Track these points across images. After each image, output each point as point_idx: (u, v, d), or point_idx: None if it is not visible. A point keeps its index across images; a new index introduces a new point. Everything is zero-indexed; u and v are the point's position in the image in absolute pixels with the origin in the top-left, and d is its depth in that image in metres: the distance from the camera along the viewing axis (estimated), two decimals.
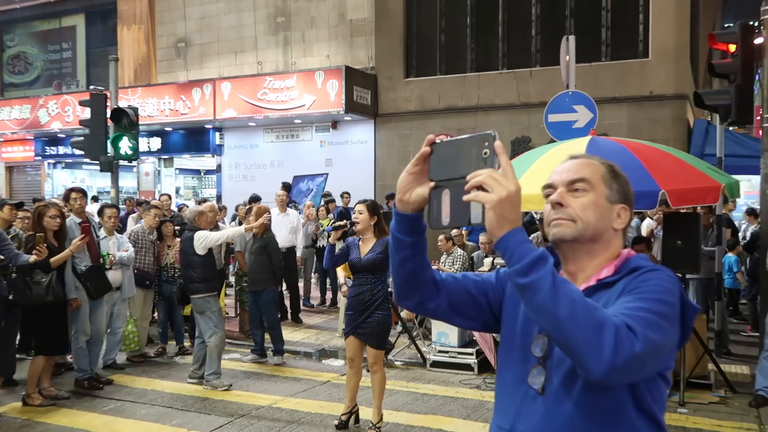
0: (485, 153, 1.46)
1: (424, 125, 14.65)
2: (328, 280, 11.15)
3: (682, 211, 7.50)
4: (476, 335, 7.13)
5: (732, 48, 7.84)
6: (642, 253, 6.50)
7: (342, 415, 5.56)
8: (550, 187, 1.72)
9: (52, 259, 6.04)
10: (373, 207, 5.40)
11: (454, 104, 14.36)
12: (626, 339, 1.36)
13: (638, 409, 1.56)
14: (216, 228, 8.09)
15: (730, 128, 10.45)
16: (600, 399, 1.53)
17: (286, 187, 13.24)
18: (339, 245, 5.65)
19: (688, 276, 7.90)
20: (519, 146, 13.33)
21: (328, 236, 5.50)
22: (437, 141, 1.58)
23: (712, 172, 6.63)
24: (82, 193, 6.94)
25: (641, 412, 1.56)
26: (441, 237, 9.05)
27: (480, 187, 1.41)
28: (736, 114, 7.59)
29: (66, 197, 6.97)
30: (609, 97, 12.41)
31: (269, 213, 7.67)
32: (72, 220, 6.71)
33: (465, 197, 1.44)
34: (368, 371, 5.56)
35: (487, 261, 7.83)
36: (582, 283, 1.65)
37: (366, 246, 5.35)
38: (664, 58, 12.58)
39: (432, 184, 1.56)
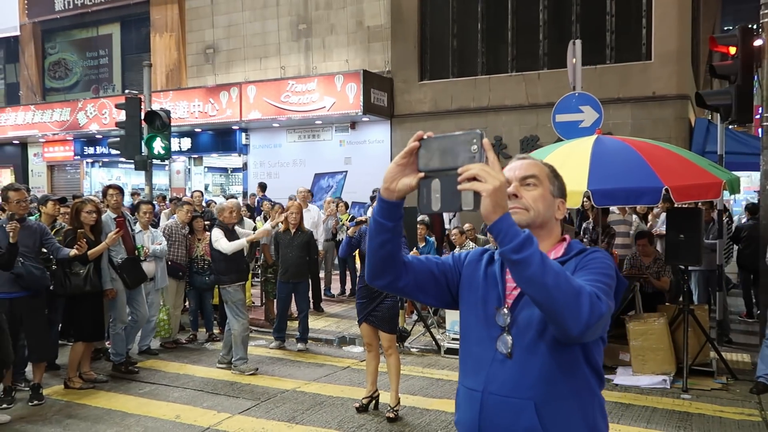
0: (474, 149, 1.56)
1: (438, 125, 14.57)
2: (347, 272, 11.14)
3: (682, 206, 7.39)
4: None
5: (732, 50, 7.70)
6: (646, 247, 6.38)
7: (363, 398, 5.56)
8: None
9: (89, 252, 6.07)
10: None
11: (465, 105, 14.27)
12: (596, 303, 1.57)
13: (587, 363, 1.77)
14: (241, 222, 8.11)
15: (731, 127, 10.28)
16: (560, 357, 1.72)
17: (263, 186, 13.41)
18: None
19: (690, 268, 7.81)
20: (528, 145, 13.23)
21: (348, 229, 5.56)
22: (425, 137, 1.66)
23: (714, 168, 6.53)
24: (119, 189, 6.97)
25: (589, 366, 1.78)
26: (455, 231, 9.01)
27: (473, 179, 1.52)
28: (737, 113, 7.47)
29: (104, 193, 7.00)
30: (613, 98, 12.27)
31: (278, 218, 7.71)
32: (108, 215, 6.75)
33: (461, 186, 1.53)
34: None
35: None
36: None
37: None
38: (667, 61, 12.40)
39: (421, 174, 1.64)
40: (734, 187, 6.60)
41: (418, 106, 14.80)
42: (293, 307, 8.14)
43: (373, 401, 5.59)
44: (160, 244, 7.29)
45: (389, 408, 5.37)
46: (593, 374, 1.80)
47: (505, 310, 1.79)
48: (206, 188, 19.11)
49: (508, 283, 1.83)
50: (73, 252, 5.80)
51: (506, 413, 1.74)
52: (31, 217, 6.92)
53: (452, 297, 1.95)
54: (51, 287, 6.26)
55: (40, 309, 5.75)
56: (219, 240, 6.72)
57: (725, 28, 21.74)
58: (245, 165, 17.13)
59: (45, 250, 6.09)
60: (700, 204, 7.55)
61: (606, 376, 6.26)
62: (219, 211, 7.06)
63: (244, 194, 16.71)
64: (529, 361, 1.73)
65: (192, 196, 10.84)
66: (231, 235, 6.83)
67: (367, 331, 5.50)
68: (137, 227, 7.17)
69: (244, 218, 8.70)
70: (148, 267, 7.05)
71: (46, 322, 5.86)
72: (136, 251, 6.85)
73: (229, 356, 6.97)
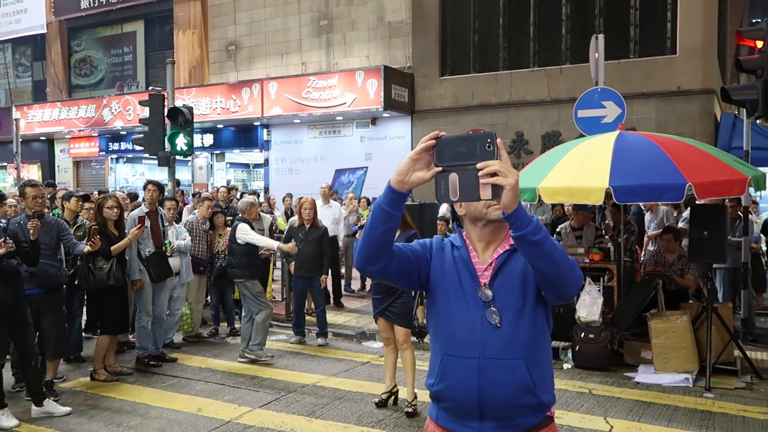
0: (489, 147, 1.79)
1: (458, 121, 14.54)
2: None
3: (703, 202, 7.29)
4: None
5: (759, 44, 7.54)
6: (671, 242, 6.24)
7: (382, 393, 5.61)
8: None
9: (112, 248, 6.17)
10: None
11: (487, 101, 14.21)
12: (580, 272, 2.03)
13: (547, 322, 2.15)
14: (259, 218, 8.18)
15: (757, 122, 10.09)
16: (535, 321, 2.09)
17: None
18: None
19: (714, 265, 7.71)
20: (549, 141, 13.14)
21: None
22: (441, 136, 1.87)
23: (738, 164, 6.43)
24: (158, 186, 7.08)
25: (548, 324, 2.16)
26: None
27: (494, 174, 1.77)
28: (763, 108, 7.31)
29: (144, 187, 7.12)
30: (637, 93, 12.15)
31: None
32: (141, 209, 6.86)
33: (484, 180, 1.77)
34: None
35: None
36: (497, 248, 2.16)
37: None
38: (692, 55, 12.22)
39: (439, 168, 1.85)
40: (760, 184, 6.49)
41: (439, 102, 14.77)
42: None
43: (393, 396, 5.62)
44: (185, 239, 7.38)
45: (407, 403, 5.41)
46: (548, 329, 2.19)
47: (485, 289, 2.10)
48: (228, 184, 19.29)
49: (476, 266, 2.15)
50: (86, 249, 5.89)
51: (503, 372, 2.05)
52: (52, 212, 7.05)
53: (419, 280, 2.20)
54: (76, 282, 6.39)
55: (57, 305, 5.78)
56: (249, 233, 6.98)
57: (753, 21, 21.32)
58: (266, 161, 17.25)
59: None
60: (726, 201, 7.44)
61: (627, 374, 6.28)
62: (248, 206, 7.31)
63: (266, 190, 16.85)
64: (516, 328, 2.06)
65: (218, 192, 10.95)
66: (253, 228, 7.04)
67: (384, 326, 5.58)
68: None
69: (263, 214, 8.74)
70: (173, 262, 7.14)
71: (62, 319, 5.89)
72: (164, 246, 6.95)
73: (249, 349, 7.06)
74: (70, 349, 6.28)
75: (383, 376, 6.32)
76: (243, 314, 7.25)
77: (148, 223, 6.78)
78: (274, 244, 7.16)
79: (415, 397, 5.44)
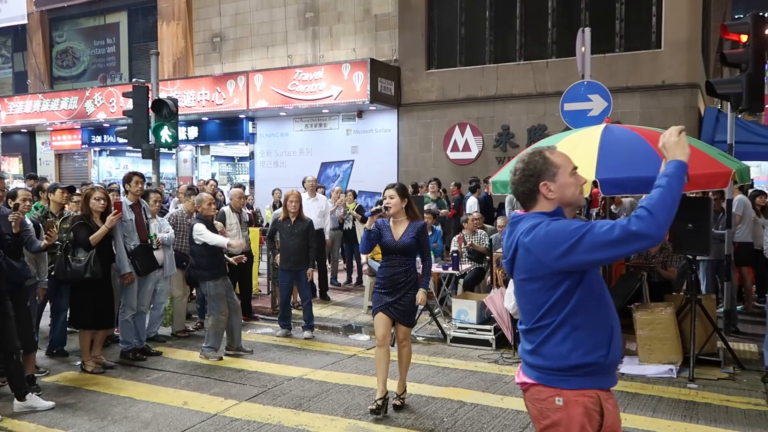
0: None
1: (445, 114, 14.55)
2: (354, 261, 11.16)
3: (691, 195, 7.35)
4: (494, 313, 7.08)
5: (744, 38, 7.62)
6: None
7: (378, 399, 5.16)
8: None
9: (91, 237, 6.10)
10: (402, 190, 5.25)
11: (473, 94, 14.22)
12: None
13: None
14: (240, 213, 8.10)
15: (740, 116, 10.19)
16: None
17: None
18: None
19: (698, 258, 7.78)
20: (535, 134, 13.19)
21: (363, 221, 5.38)
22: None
23: (723, 158, 6.48)
24: (143, 178, 6.98)
25: None
26: (471, 218, 9.09)
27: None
28: (747, 102, 7.40)
29: (128, 180, 6.93)
30: (622, 87, 12.20)
31: (236, 213, 7.72)
32: (125, 202, 6.78)
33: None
34: (394, 346, 5.51)
35: None
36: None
37: (399, 228, 5.20)
38: (677, 49, 12.31)
39: None
40: (744, 177, 6.55)
41: (426, 95, 14.76)
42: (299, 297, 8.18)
43: (385, 403, 5.21)
44: (168, 232, 7.31)
45: (395, 395, 5.35)
46: None
47: None
48: (213, 177, 19.17)
49: None
50: (43, 244, 5.77)
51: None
52: (35, 206, 6.95)
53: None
54: (52, 273, 6.32)
55: (22, 301, 5.54)
56: (204, 233, 6.68)
57: (736, 17, 21.51)
58: (252, 154, 17.16)
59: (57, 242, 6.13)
60: (710, 194, 7.50)
61: None
62: (197, 203, 6.96)
63: (251, 183, 16.76)
64: None
65: (208, 185, 10.88)
66: (211, 229, 6.79)
67: (383, 321, 5.16)
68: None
69: (243, 210, 8.60)
70: (157, 255, 7.07)
71: (27, 314, 5.63)
72: (149, 239, 6.88)
73: (235, 343, 7.03)
74: (35, 344, 6.05)
75: (370, 369, 6.33)
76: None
77: (131, 216, 6.71)
78: (223, 241, 6.77)
79: (405, 390, 5.38)
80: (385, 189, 5.24)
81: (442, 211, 10.69)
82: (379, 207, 5.23)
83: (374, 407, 5.13)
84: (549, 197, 2.42)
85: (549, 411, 2.37)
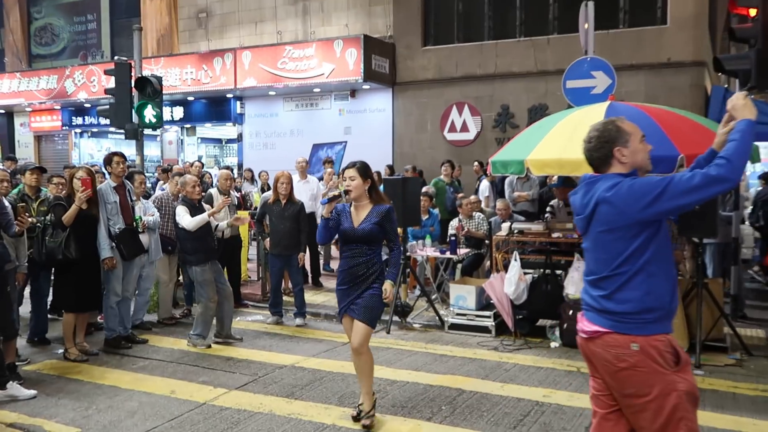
0: None
1: (442, 93, 14.47)
2: None
3: None
4: (493, 299, 7.07)
5: (753, 12, 7.58)
6: None
7: (359, 405, 4.82)
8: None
9: (63, 217, 6.06)
10: (364, 170, 4.66)
11: (471, 72, 14.13)
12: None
13: None
14: (228, 195, 8.01)
15: (750, 95, 10.17)
16: None
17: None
18: None
19: (705, 240, 7.77)
20: (536, 114, 13.13)
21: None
22: None
23: None
24: (124, 158, 6.90)
25: None
26: (465, 201, 9.03)
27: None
28: (756, 79, 7.34)
29: (108, 161, 6.85)
30: (626, 65, 12.13)
31: (225, 196, 7.57)
32: (108, 184, 6.71)
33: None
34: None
35: (505, 226, 7.73)
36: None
37: (360, 213, 4.67)
38: (683, 25, 12.24)
39: None
40: (753, 157, 6.54)
41: (422, 73, 14.66)
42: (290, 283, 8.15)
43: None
44: (153, 215, 7.25)
45: (363, 413, 4.69)
46: None
47: None
48: (199, 160, 19.05)
49: None
50: (17, 229, 5.70)
51: None
52: (14, 189, 6.89)
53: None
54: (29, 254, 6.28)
55: (1, 286, 5.42)
56: (183, 217, 6.62)
57: None
58: (240, 136, 17.04)
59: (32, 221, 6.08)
60: None
61: None
62: (181, 185, 6.94)
63: (239, 166, 16.66)
64: None
65: (193, 167, 10.79)
66: (196, 212, 6.70)
67: (350, 325, 4.71)
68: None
69: (232, 192, 8.54)
70: (142, 239, 7.02)
71: (8, 300, 5.55)
72: (134, 222, 6.83)
73: (224, 331, 7.00)
74: (16, 331, 6.00)
75: None
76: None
77: (115, 198, 6.64)
78: (203, 217, 6.64)
79: (373, 407, 4.72)
80: (344, 169, 4.70)
81: (460, 195, 10.52)
82: (337, 192, 4.72)
83: (355, 413, 4.78)
84: (622, 161, 2.87)
85: (626, 356, 2.76)
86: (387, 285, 4.65)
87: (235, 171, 15.90)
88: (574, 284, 6.62)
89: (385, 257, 5.40)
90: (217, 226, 7.15)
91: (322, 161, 14.95)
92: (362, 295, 4.61)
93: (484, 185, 10.97)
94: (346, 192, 4.65)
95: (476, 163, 12.50)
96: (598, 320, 2.87)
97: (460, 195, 10.31)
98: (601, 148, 2.91)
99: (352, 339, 4.67)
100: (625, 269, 2.79)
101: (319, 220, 9.86)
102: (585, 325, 2.95)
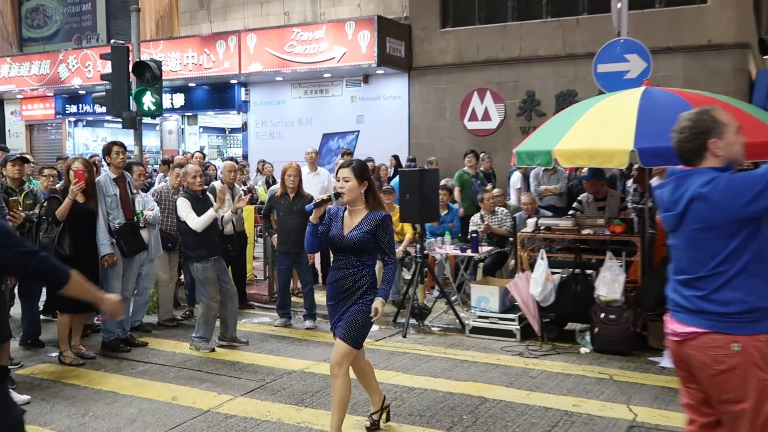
0: None
1: (462, 78, 14.44)
2: None
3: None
4: (518, 300, 7.06)
5: None
6: None
7: (372, 414, 4.85)
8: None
9: (57, 211, 6.11)
10: (360, 170, 4.42)
11: (493, 56, 14.09)
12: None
13: None
14: (232, 188, 8.03)
15: None
16: None
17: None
18: None
19: None
20: (564, 101, 13.08)
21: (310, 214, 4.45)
22: None
23: None
24: (124, 148, 6.96)
25: None
26: (487, 196, 9.00)
27: None
28: None
29: (107, 151, 6.90)
30: (663, 47, 12.03)
31: (229, 189, 7.55)
32: (107, 175, 6.77)
33: None
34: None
35: (530, 221, 7.71)
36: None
37: (353, 220, 4.42)
38: (725, 4, 12.14)
39: None
40: None
41: (440, 57, 14.64)
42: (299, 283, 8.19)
43: (384, 412, 4.87)
44: (152, 209, 7.29)
45: None
46: None
47: None
48: (201, 150, 19.16)
49: None
50: (10, 224, 5.75)
51: None
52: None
53: None
54: None
55: None
56: (188, 214, 6.63)
57: None
58: (245, 125, 17.11)
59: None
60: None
61: (652, 359, 6.30)
62: (183, 176, 6.96)
63: (244, 157, 16.72)
64: None
65: (192, 158, 10.86)
66: (199, 204, 6.74)
67: None
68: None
69: (236, 185, 8.58)
70: (142, 235, 7.07)
71: (0, 300, 5.69)
72: (135, 217, 6.88)
73: (228, 333, 7.05)
74: (9, 332, 6.03)
75: (379, 361, 6.36)
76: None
77: (115, 190, 6.69)
78: (210, 214, 6.62)
79: None
80: (338, 168, 4.48)
81: (488, 186, 10.43)
82: (327, 196, 4.52)
83: (369, 424, 4.80)
84: (717, 154, 2.88)
85: (725, 357, 2.80)
86: (377, 303, 4.33)
87: (248, 164, 15.94)
88: (605, 285, 6.59)
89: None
90: (223, 217, 7.17)
91: (334, 152, 15.03)
92: (348, 310, 4.38)
93: (516, 177, 10.83)
94: (337, 195, 4.46)
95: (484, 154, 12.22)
96: (694, 321, 2.92)
97: (489, 187, 10.23)
98: (695, 139, 2.92)
99: (332, 356, 4.43)
100: (724, 269, 2.83)
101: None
102: (677, 327, 2.99)
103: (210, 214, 6.67)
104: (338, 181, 4.43)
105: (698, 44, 12.31)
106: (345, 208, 4.51)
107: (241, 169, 12.63)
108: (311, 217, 4.43)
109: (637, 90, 6.79)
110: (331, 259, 4.67)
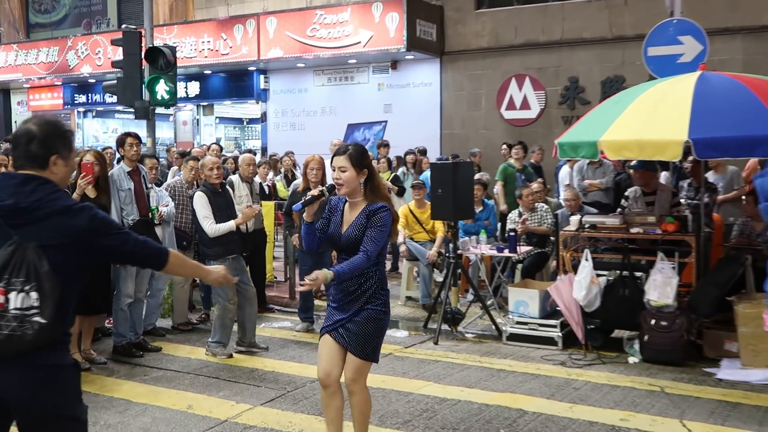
0: None
1: (499, 64, 14.38)
2: (389, 243, 11.13)
3: None
4: (560, 305, 7.01)
5: None
6: (751, 206, 6.31)
7: None
8: None
9: None
10: (358, 157, 4.09)
11: (533, 39, 14.02)
12: None
13: None
14: (251, 183, 8.08)
15: None
16: None
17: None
18: None
19: None
20: (611, 87, 12.97)
21: (400, 193, 4.18)
22: None
23: None
24: (139, 139, 7.04)
25: None
26: (526, 191, 8.94)
27: None
28: None
29: (121, 142, 7.00)
30: (720, 28, 11.88)
31: (247, 184, 7.70)
32: (121, 168, 6.86)
33: None
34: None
35: (574, 219, 7.65)
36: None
37: (352, 214, 4.16)
38: None
39: None
40: None
41: (475, 41, 14.61)
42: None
43: None
44: (167, 205, 7.37)
45: None
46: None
47: None
48: (218, 142, 19.33)
49: None
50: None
51: None
52: None
53: None
54: None
55: None
56: (205, 217, 6.64)
57: None
58: (264, 115, 17.22)
59: None
60: None
61: (707, 370, 6.23)
62: (201, 168, 7.05)
63: (263, 150, 16.83)
64: None
65: (210, 150, 10.97)
66: (218, 199, 6.78)
67: (327, 349, 4.19)
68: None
69: (255, 179, 8.64)
70: (157, 232, 7.15)
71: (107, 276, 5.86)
72: (150, 213, 6.96)
73: (247, 338, 7.10)
74: (109, 306, 6.19)
75: (408, 370, 6.37)
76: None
77: (129, 185, 6.76)
78: (229, 224, 6.68)
79: None
80: (333, 156, 4.15)
81: (538, 180, 10.33)
82: (319, 191, 4.18)
83: None
84: None
85: None
86: (320, 273, 3.87)
87: (259, 154, 16.06)
88: (656, 289, 6.52)
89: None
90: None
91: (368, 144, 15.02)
92: (355, 317, 4.10)
93: (565, 172, 10.69)
94: (332, 189, 4.21)
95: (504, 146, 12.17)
96: None
97: (538, 182, 10.12)
98: None
99: (344, 372, 4.18)
100: None
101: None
102: None
103: (230, 225, 6.73)
104: (333, 171, 4.14)
105: (759, 25, 12.15)
106: (346, 200, 4.25)
107: (274, 165, 12.74)
108: (305, 215, 4.16)
109: (692, 75, 6.74)
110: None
